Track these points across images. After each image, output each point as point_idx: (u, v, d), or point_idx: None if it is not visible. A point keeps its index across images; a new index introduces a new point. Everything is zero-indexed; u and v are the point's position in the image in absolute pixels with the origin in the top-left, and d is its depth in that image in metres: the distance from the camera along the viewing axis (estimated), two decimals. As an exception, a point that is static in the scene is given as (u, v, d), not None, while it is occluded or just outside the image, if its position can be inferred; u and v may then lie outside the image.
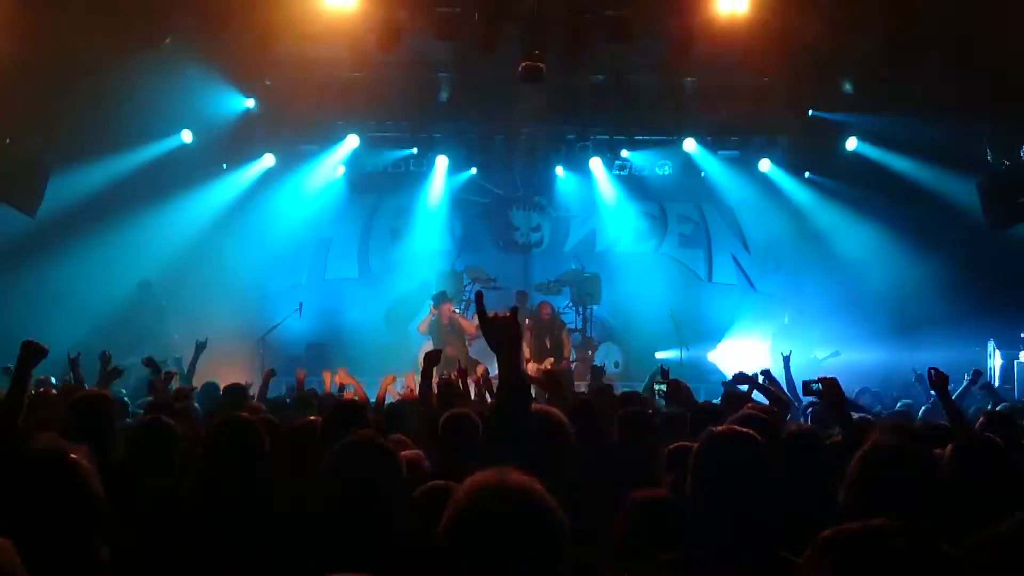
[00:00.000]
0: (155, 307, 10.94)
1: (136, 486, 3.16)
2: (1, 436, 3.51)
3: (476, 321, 11.28)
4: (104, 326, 10.20)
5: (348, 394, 6.93)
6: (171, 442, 3.64)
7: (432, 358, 5.23)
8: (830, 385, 4.00)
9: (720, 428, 2.65)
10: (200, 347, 7.74)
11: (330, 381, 7.58)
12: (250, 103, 11.21)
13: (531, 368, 10.44)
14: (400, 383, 7.93)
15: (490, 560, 1.66)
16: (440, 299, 11.31)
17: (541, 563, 1.67)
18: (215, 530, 2.91)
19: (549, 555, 1.68)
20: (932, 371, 4.89)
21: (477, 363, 9.91)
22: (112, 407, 4.09)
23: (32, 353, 3.81)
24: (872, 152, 11.88)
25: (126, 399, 6.36)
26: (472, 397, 6.44)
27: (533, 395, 5.70)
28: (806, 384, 5.76)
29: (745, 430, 2.60)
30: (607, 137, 12.44)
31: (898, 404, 7.20)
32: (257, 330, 11.45)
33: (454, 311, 11.43)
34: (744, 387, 5.97)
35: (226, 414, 4.25)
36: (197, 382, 7.25)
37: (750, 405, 4.58)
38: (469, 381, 6.83)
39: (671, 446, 3.48)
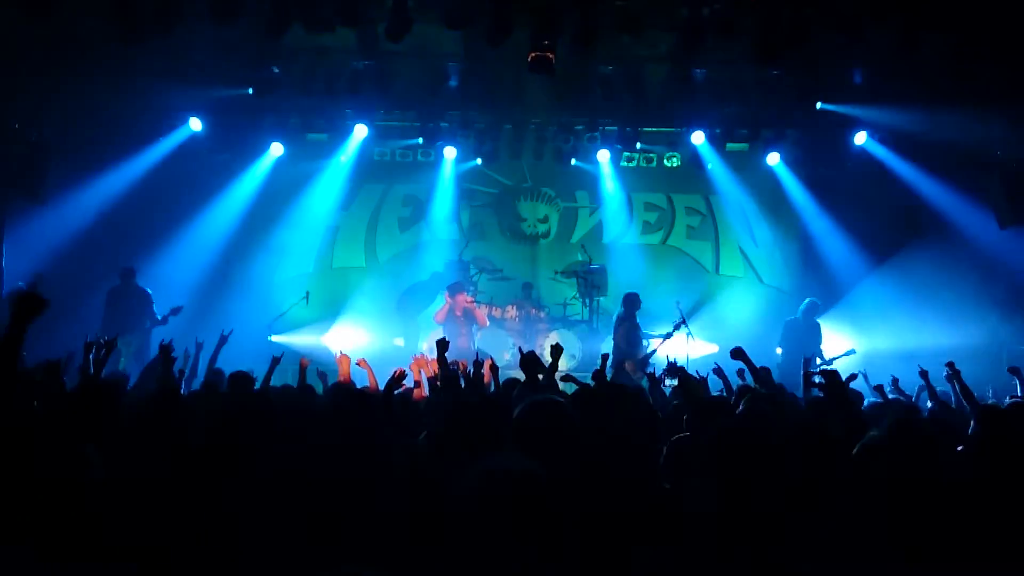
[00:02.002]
0: (139, 295, 10.91)
1: (139, 471, 3.17)
2: None
3: (486, 311, 11.25)
4: (86, 317, 10.19)
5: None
6: (177, 427, 3.65)
7: (444, 346, 5.58)
8: (831, 379, 4.01)
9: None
10: (223, 340, 7.70)
11: (346, 366, 7.52)
12: (257, 91, 11.21)
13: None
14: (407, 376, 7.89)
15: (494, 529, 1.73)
16: (456, 289, 11.32)
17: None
18: (214, 514, 2.92)
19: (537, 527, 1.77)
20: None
21: (485, 355, 9.93)
22: (117, 391, 4.09)
23: (30, 306, 3.28)
24: (882, 146, 11.86)
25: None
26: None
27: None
28: (808, 377, 5.78)
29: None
30: (616, 128, 12.40)
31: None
32: (264, 318, 11.48)
33: (470, 301, 11.43)
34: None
35: (234, 400, 4.26)
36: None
37: None
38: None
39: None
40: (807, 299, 11.32)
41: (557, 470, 2.23)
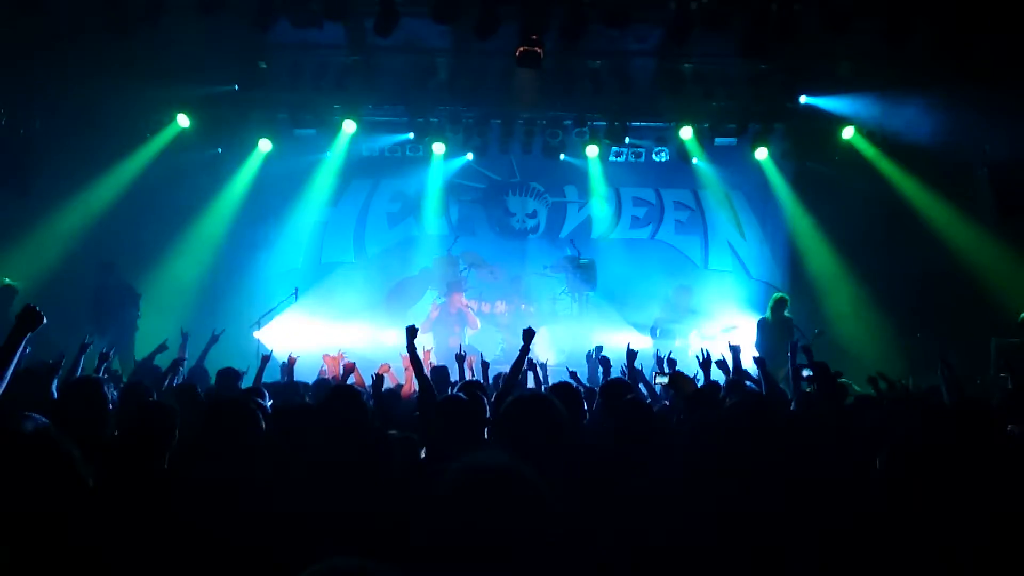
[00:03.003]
0: (122, 289, 10.83)
1: (129, 467, 3.15)
2: None
3: (475, 306, 11.27)
4: (68, 310, 10.11)
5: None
6: (168, 424, 3.62)
7: (412, 332, 5.64)
8: (822, 370, 4.02)
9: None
10: (213, 339, 7.69)
11: (332, 365, 7.52)
12: (243, 87, 11.17)
13: None
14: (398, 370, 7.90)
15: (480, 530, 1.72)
16: (455, 288, 11.31)
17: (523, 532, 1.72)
18: (209, 510, 2.91)
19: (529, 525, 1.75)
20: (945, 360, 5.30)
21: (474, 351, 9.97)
22: (104, 389, 4.07)
23: (28, 319, 3.47)
24: (869, 139, 11.89)
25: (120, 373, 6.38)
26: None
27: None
28: (797, 369, 5.81)
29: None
30: (604, 123, 12.40)
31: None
32: (253, 314, 11.44)
33: (465, 305, 11.42)
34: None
35: (222, 396, 4.24)
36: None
37: None
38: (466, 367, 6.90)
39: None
40: (774, 295, 11.24)
41: (543, 466, 2.23)
